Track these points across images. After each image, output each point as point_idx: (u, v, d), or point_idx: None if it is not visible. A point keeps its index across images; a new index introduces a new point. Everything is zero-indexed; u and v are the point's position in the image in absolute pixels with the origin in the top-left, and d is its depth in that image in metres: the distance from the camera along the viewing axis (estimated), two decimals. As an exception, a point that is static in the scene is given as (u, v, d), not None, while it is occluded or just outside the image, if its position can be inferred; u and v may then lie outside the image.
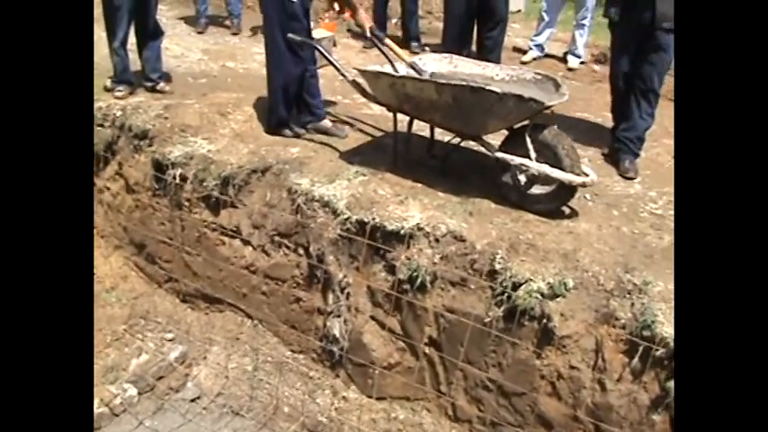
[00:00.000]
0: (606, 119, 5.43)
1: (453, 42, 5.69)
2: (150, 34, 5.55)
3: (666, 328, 3.03)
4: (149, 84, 5.57)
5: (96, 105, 5.21)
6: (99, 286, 4.92)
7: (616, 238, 3.64)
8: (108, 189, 5.27)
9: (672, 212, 3.88)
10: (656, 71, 4.35)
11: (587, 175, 3.66)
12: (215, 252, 4.60)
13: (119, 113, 5.17)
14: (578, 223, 3.75)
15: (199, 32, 7.91)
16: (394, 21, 8.20)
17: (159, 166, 4.75)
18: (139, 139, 4.98)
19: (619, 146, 4.58)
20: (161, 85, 5.59)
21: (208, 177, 4.49)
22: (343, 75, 4.40)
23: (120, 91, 5.40)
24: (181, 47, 7.20)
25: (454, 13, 5.79)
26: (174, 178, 4.63)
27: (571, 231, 3.66)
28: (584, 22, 7.05)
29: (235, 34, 7.92)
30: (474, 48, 6.04)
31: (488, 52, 5.71)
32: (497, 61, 5.61)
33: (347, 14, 4.68)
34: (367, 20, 4.80)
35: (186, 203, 4.66)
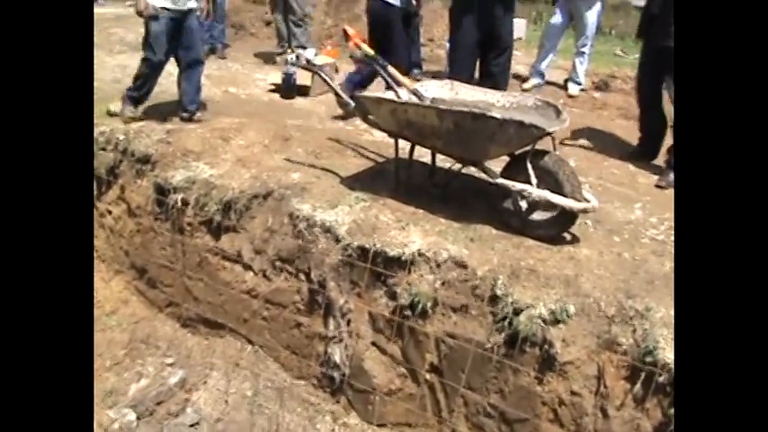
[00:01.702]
0: (606, 144, 5.49)
1: (460, 70, 5.72)
2: (191, 65, 5.55)
3: (669, 354, 3.01)
4: (186, 114, 5.58)
5: (99, 130, 5.24)
6: (99, 310, 4.91)
7: (617, 263, 3.63)
8: (110, 213, 5.28)
9: (673, 238, 3.88)
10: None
11: (588, 201, 3.67)
12: (216, 277, 4.59)
13: (121, 137, 5.20)
14: (580, 249, 3.75)
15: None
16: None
17: (161, 191, 4.76)
18: (142, 163, 5.00)
19: (666, 162, 4.89)
20: (197, 115, 5.61)
21: (209, 202, 4.50)
22: (345, 100, 4.43)
23: (132, 111, 5.45)
24: (184, 73, 7.23)
25: (461, 41, 5.81)
26: (176, 203, 4.64)
27: (572, 257, 3.66)
28: (584, 49, 7.11)
29: (222, 59, 7.99)
30: (477, 75, 6.07)
31: (495, 79, 5.73)
32: (504, 88, 5.65)
33: (351, 42, 4.71)
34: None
35: (188, 228, 4.67)
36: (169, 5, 5.19)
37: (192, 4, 5.37)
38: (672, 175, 4.77)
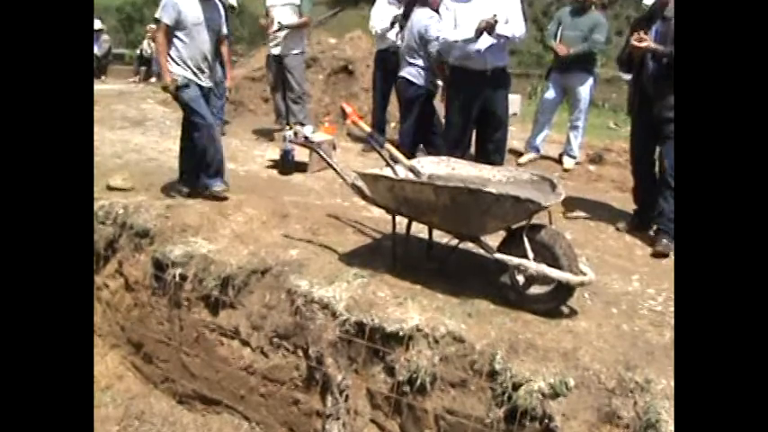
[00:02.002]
0: (602, 217, 5.54)
1: (456, 147, 5.80)
2: None
3: (670, 427, 2.99)
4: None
5: (99, 204, 5.29)
6: (94, 386, 4.86)
7: (616, 335, 3.63)
8: (107, 287, 5.28)
9: (672, 309, 3.89)
10: (670, 158, 4.77)
11: (585, 274, 3.68)
12: (213, 353, 4.57)
13: (120, 212, 5.25)
14: (578, 322, 3.74)
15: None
16: (392, 125, 8.39)
17: (159, 265, 4.78)
18: (140, 237, 5.04)
19: (654, 229, 5.10)
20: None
21: (207, 277, 4.51)
22: (342, 178, 4.49)
23: (220, 185, 5.54)
24: (183, 148, 7.32)
25: (456, 118, 5.91)
26: (174, 277, 4.65)
27: (571, 330, 3.65)
28: (578, 123, 7.24)
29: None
30: (473, 151, 6.15)
31: (490, 156, 5.80)
32: (501, 163, 5.72)
33: (349, 120, 4.80)
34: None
35: (185, 303, 4.66)
36: (192, 77, 5.34)
37: (210, 83, 5.55)
38: (664, 240, 4.88)
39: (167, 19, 5.21)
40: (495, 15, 5.31)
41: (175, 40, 5.27)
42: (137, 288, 5.03)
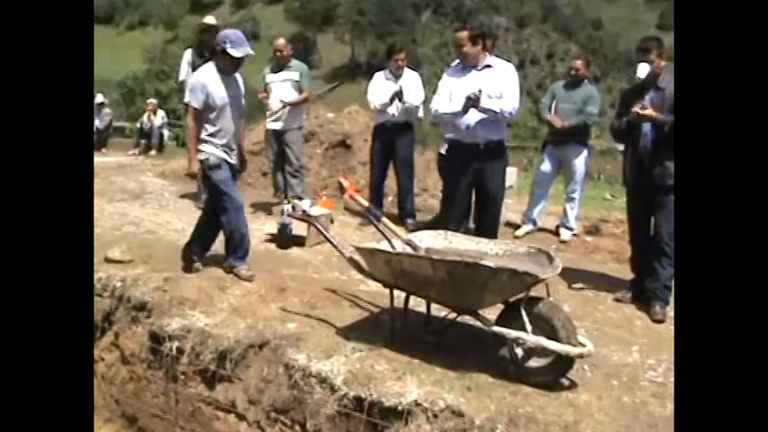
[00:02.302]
0: (600, 288, 5.56)
1: (453, 220, 5.83)
2: None
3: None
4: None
5: (96, 276, 5.30)
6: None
7: (617, 408, 3.60)
8: (102, 360, 5.25)
9: (672, 380, 3.87)
10: (667, 225, 4.89)
11: (584, 346, 3.69)
12: (209, 427, 4.51)
13: (118, 284, 5.26)
14: (578, 394, 3.72)
15: (199, 208, 8.11)
16: (390, 198, 8.46)
17: (156, 338, 4.76)
18: (138, 310, 5.03)
19: (649, 295, 5.14)
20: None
21: (205, 351, 4.49)
22: (340, 252, 4.52)
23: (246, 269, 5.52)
24: (182, 221, 7.41)
25: (453, 192, 5.96)
26: (171, 351, 4.62)
27: (571, 403, 3.63)
28: (573, 195, 7.33)
29: None
30: (471, 224, 6.18)
31: (486, 230, 5.82)
32: (494, 236, 5.74)
33: (346, 194, 4.85)
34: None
35: (182, 377, 4.63)
36: (224, 156, 5.38)
37: (237, 162, 5.61)
38: (657, 306, 5.00)
39: (196, 102, 5.23)
40: (479, 90, 5.38)
41: (204, 122, 5.30)
42: (133, 361, 5.00)
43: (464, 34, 5.52)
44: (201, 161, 5.32)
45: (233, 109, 5.39)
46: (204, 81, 5.24)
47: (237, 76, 5.55)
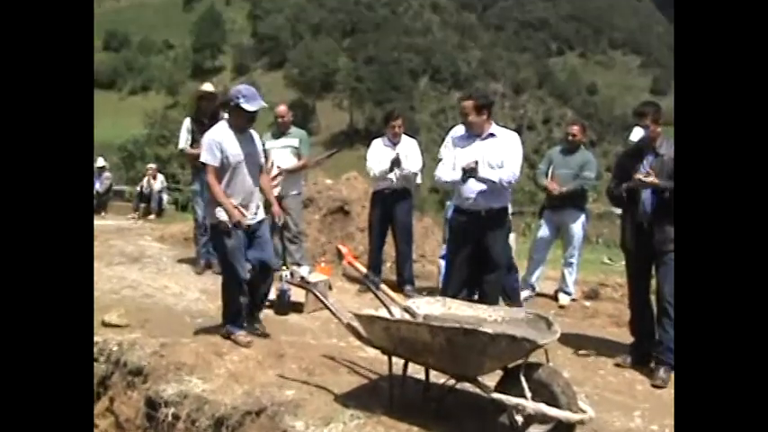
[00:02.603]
0: (600, 353, 5.54)
1: (453, 286, 5.84)
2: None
3: None
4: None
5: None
6: None
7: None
8: (96, 426, 5.17)
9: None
10: (668, 287, 4.86)
11: (585, 412, 3.66)
12: (204, 496, 4.44)
13: (115, 348, 5.24)
14: (580, 462, 3.69)
15: (198, 273, 8.15)
16: (388, 264, 8.47)
17: (152, 404, 4.71)
18: (134, 375, 5.00)
19: (652, 359, 5.14)
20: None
21: (201, 417, 4.44)
22: (338, 318, 4.52)
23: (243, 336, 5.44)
24: (180, 286, 7.40)
25: (454, 258, 5.99)
26: (167, 417, 4.57)
27: (573, 470, 3.59)
28: (572, 260, 7.34)
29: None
30: (470, 291, 6.17)
31: (486, 296, 5.82)
32: (495, 303, 5.73)
33: (345, 260, 4.87)
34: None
35: (178, 444, 4.57)
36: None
37: (257, 219, 5.49)
38: (662, 370, 4.95)
39: (214, 160, 5.21)
40: (475, 162, 5.49)
41: (219, 181, 5.24)
42: (128, 427, 4.93)
43: (470, 103, 5.63)
44: (212, 225, 5.32)
45: (249, 166, 5.33)
46: (219, 139, 5.23)
47: (253, 132, 5.52)
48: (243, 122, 5.32)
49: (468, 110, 5.62)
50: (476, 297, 5.94)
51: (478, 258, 5.87)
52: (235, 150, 5.26)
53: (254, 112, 5.26)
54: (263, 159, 5.72)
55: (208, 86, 8.35)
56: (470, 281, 5.96)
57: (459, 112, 5.94)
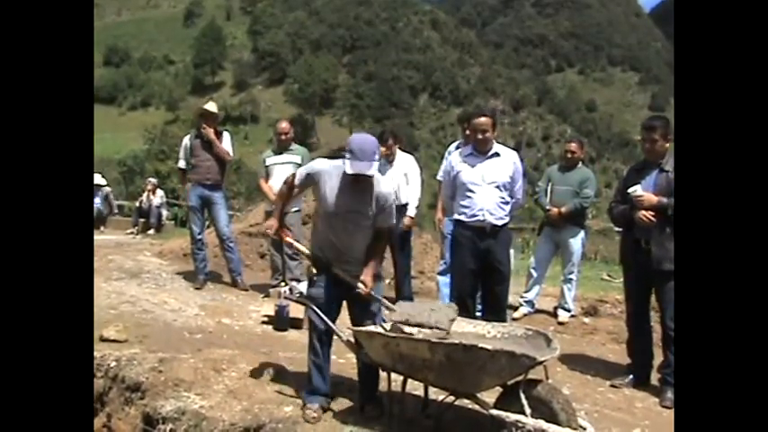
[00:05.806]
0: (599, 370, 5.52)
1: (459, 301, 5.82)
2: None
3: None
4: None
5: (90, 356, 5.26)
6: None
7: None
8: (93, 443, 5.16)
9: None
10: (671, 310, 4.83)
11: (584, 429, 3.66)
12: None
13: (113, 364, 5.21)
14: (579, 481, 3.67)
15: (197, 288, 8.13)
16: (387, 281, 8.45)
17: (149, 421, 4.68)
18: (131, 391, 4.97)
19: (660, 380, 5.10)
20: None
21: (199, 434, 4.43)
22: (337, 335, 4.50)
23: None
24: (178, 301, 7.39)
25: (460, 272, 5.98)
26: (165, 434, 4.56)
27: (572, 489, 3.57)
28: (571, 276, 7.33)
29: (245, 290, 8.15)
30: (477, 305, 6.16)
31: (492, 310, 5.80)
32: (502, 318, 5.71)
33: (285, 242, 4.85)
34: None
35: (175, 460, 4.55)
36: None
37: None
38: (669, 392, 4.89)
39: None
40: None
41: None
42: (124, 444, 4.92)
43: (488, 121, 5.64)
44: None
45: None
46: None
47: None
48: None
49: (486, 127, 5.62)
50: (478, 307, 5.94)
51: (483, 271, 5.85)
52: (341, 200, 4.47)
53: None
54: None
55: (211, 106, 8.29)
56: (474, 292, 5.95)
57: (470, 129, 5.91)
